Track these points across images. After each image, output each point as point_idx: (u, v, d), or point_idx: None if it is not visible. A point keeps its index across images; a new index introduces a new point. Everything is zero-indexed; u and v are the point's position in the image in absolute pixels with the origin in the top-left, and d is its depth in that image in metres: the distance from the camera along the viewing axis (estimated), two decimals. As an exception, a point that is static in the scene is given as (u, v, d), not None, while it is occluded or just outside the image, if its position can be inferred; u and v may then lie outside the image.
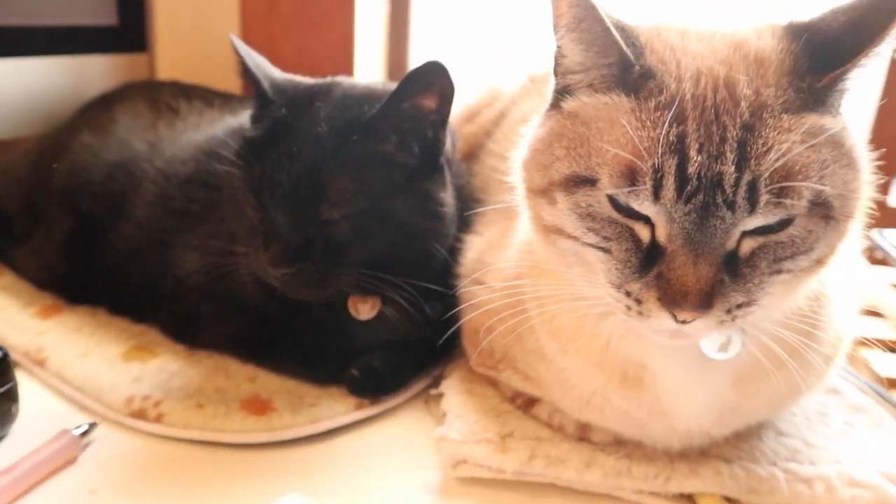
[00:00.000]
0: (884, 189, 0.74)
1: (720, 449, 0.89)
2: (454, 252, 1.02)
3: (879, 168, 0.73)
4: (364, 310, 1.02)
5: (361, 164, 0.92)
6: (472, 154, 1.20)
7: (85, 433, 0.91)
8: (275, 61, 1.06)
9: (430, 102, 0.94)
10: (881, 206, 0.74)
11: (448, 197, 1.01)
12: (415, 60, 1.70)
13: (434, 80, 0.93)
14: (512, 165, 0.76)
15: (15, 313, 1.19)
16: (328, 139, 0.92)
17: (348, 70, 1.60)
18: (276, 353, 1.06)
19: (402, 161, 0.95)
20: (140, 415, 0.96)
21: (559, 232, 0.71)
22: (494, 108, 1.23)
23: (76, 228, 1.23)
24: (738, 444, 0.90)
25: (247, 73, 0.98)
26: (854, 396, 1.03)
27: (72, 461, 0.89)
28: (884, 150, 0.73)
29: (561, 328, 0.81)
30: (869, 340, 1.10)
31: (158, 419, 0.95)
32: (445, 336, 0.90)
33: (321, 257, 0.93)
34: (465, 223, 1.05)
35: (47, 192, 1.27)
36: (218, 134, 1.19)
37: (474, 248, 0.99)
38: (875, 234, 1.36)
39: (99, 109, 1.41)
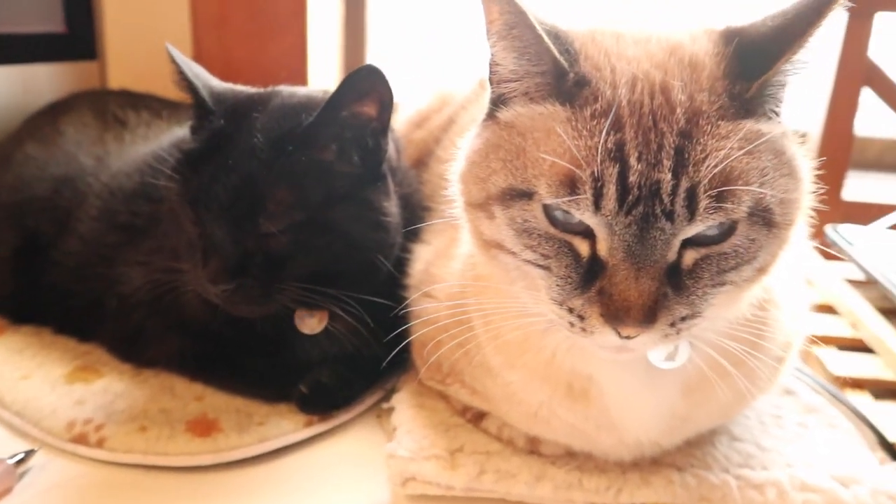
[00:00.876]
0: (836, 183, 0.74)
1: (673, 457, 0.88)
2: (401, 263, 1.00)
3: (826, 166, 0.72)
4: (311, 324, 1.00)
5: (299, 174, 0.90)
6: (422, 161, 1.18)
7: (21, 461, 0.88)
8: (228, 70, 1.04)
9: (369, 109, 0.92)
10: (835, 200, 0.74)
11: (392, 206, 0.98)
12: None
13: (371, 86, 0.91)
14: (450, 178, 0.75)
15: (-46, 336, 1.15)
16: (264, 150, 0.89)
17: (303, 77, 1.57)
18: (224, 370, 1.03)
19: (342, 170, 0.93)
20: (81, 440, 0.93)
21: (499, 247, 0.69)
22: (444, 113, 1.21)
23: (21, 245, 1.19)
24: (691, 451, 0.90)
25: (185, 82, 0.95)
26: (808, 397, 1.03)
27: (6, 491, 0.85)
28: (824, 158, 0.72)
29: (506, 343, 0.79)
30: (822, 339, 1.10)
31: (100, 444, 0.92)
32: (395, 352, 0.88)
33: (261, 272, 0.90)
34: (414, 233, 1.03)
35: (-9, 206, 1.23)
36: (163, 146, 1.16)
37: (422, 258, 0.98)
38: (829, 229, 1.37)
39: (45, 121, 1.37)
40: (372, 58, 1.70)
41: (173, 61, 0.96)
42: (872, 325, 1.16)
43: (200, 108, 0.96)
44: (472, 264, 0.82)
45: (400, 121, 1.28)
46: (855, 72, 1.42)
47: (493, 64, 0.69)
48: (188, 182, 0.92)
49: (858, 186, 1.64)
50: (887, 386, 1.05)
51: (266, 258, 0.90)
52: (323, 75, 1.64)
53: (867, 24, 1.41)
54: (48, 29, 1.60)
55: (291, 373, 1.01)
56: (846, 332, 1.18)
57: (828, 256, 1.38)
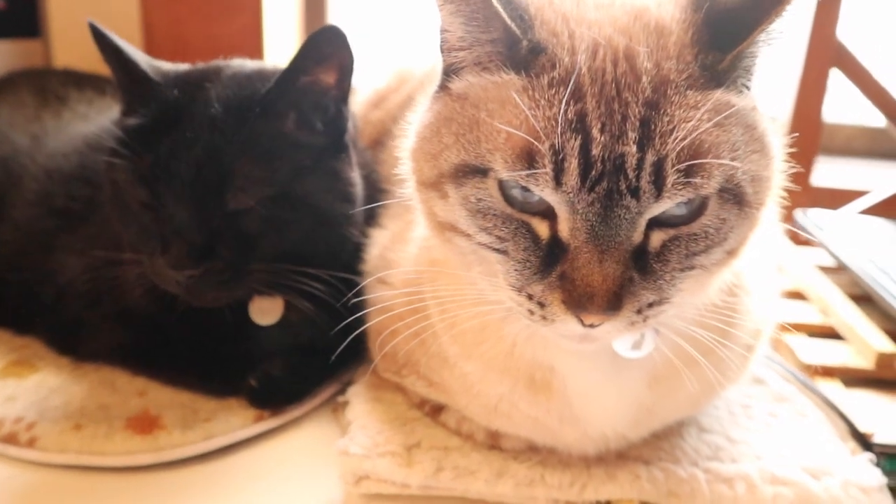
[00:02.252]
0: (806, 169, 0.71)
1: (639, 450, 0.85)
2: (359, 247, 0.95)
3: (797, 148, 0.69)
4: (267, 314, 0.95)
5: (264, 145, 0.84)
6: (379, 142, 1.13)
7: (-58, 464, 0.81)
8: (179, 48, 0.98)
9: (328, 77, 0.87)
10: (804, 185, 0.70)
11: (356, 177, 0.94)
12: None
13: (332, 49, 0.85)
14: (400, 155, 0.70)
15: None
16: (225, 120, 0.84)
17: (258, 55, 1.50)
18: (169, 363, 0.97)
19: (307, 141, 0.88)
20: (10, 439, 0.87)
21: (453, 229, 0.64)
22: (402, 91, 1.16)
23: (-48, 232, 1.12)
24: (659, 443, 0.86)
25: (117, 56, 0.88)
26: (778, 386, 1.01)
27: (-76, 497, 0.79)
28: (796, 134, 0.69)
29: (463, 332, 0.75)
30: (792, 326, 1.08)
31: (31, 444, 0.86)
32: (347, 341, 0.83)
33: (231, 253, 0.84)
34: (371, 216, 0.98)
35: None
36: (105, 124, 1.09)
37: (378, 243, 0.93)
38: (798, 213, 1.34)
39: (-23, 101, 1.29)
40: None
41: (99, 36, 0.89)
42: (843, 311, 1.13)
43: (139, 82, 0.89)
44: (427, 248, 0.78)
45: (357, 102, 1.22)
46: (824, 53, 1.39)
47: (441, 31, 0.64)
48: (139, 159, 0.84)
49: (827, 172, 1.63)
50: (858, 374, 1.03)
51: (235, 238, 0.84)
52: (280, 55, 1.57)
53: (836, 4, 1.38)
54: (-14, 5, 1.51)
55: (241, 365, 0.95)
56: (816, 319, 1.16)
57: (797, 241, 1.35)
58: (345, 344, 0.84)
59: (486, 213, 0.61)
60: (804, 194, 0.69)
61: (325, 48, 0.84)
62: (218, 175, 0.82)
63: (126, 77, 0.89)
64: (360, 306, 0.87)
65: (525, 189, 0.58)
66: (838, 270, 1.28)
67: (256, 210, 0.84)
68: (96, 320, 1.00)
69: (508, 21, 0.59)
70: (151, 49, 1.51)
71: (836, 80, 1.48)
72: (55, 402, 0.93)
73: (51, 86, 1.29)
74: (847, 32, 1.42)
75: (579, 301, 0.58)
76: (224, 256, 0.84)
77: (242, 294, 0.90)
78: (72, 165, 1.08)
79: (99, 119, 1.16)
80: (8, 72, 1.41)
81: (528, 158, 0.57)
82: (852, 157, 1.96)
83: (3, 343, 1.06)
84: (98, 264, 0.95)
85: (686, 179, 0.56)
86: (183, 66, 0.93)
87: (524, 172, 0.57)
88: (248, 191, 0.83)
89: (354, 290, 0.89)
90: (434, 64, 1.12)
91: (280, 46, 1.58)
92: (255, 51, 1.50)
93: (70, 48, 1.56)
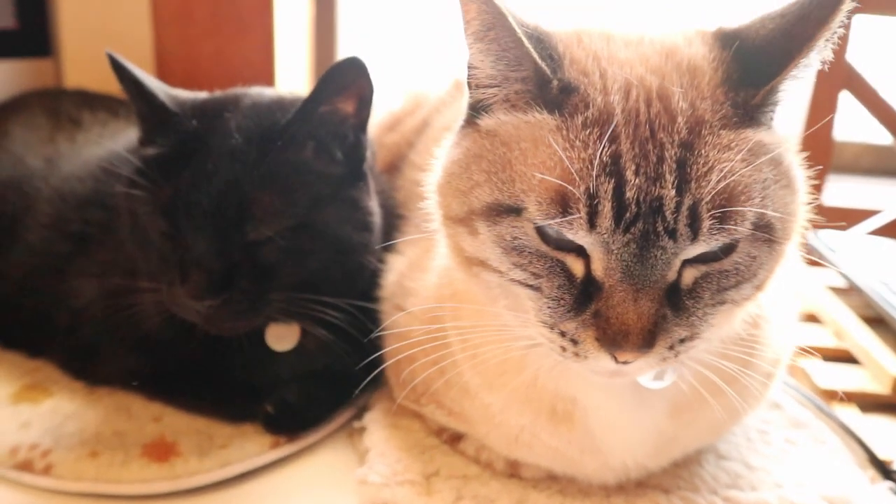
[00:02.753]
0: (817, 188, 0.71)
1: (658, 479, 0.84)
2: (376, 273, 0.95)
3: (808, 169, 0.68)
4: (283, 340, 0.94)
5: (284, 175, 0.84)
6: (395, 166, 1.13)
7: (-42, 493, 0.81)
8: (191, 68, 0.98)
9: (347, 106, 0.87)
10: (816, 205, 0.71)
11: (375, 205, 0.94)
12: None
13: (353, 79, 0.85)
14: (426, 189, 0.69)
15: None
16: (245, 151, 0.83)
17: (270, 77, 1.51)
18: (185, 388, 0.97)
19: (326, 170, 0.88)
20: (26, 466, 0.86)
21: (482, 265, 0.64)
22: (418, 115, 1.16)
23: (-34, 255, 1.11)
24: (678, 472, 0.86)
25: (135, 86, 0.88)
26: (794, 411, 1.00)
27: (-59, 527, 0.79)
28: (819, 167, 0.69)
29: (485, 363, 0.74)
30: (808, 350, 1.07)
31: (46, 471, 0.85)
32: (361, 364, 0.83)
33: (250, 283, 0.84)
34: (387, 242, 0.98)
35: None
36: (118, 149, 1.09)
37: (395, 269, 0.92)
38: (810, 234, 1.34)
39: (-9, 121, 1.29)
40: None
41: (118, 66, 0.89)
42: (857, 335, 1.13)
43: (157, 112, 0.89)
44: (449, 280, 0.77)
45: (372, 125, 1.22)
46: (834, 75, 1.39)
47: (470, 67, 0.64)
48: (159, 189, 0.84)
49: (835, 190, 1.63)
50: (874, 399, 1.03)
51: (254, 268, 0.84)
52: (291, 74, 1.58)
53: (846, 26, 1.39)
54: (-2, 24, 1.51)
55: (257, 391, 0.95)
56: (830, 342, 1.16)
57: (808, 262, 1.35)
58: (363, 369, 0.84)
59: (521, 250, 0.60)
60: (816, 214, 0.69)
61: (346, 78, 0.85)
62: (238, 206, 0.82)
63: (144, 107, 0.89)
64: (378, 332, 0.87)
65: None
66: (850, 292, 1.28)
67: (276, 241, 0.84)
68: (112, 346, 0.99)
69: (539, 60, 0.59)
70: (163, 69, 1.51)
71: (844, 99, 1.49)
72: (70, 429, 0.92)
73: (64, 107, 1.28)
74: (856, 55, 1.43)
75: (614, 339, 0.58)
76: (243, 287, 0.84)
77: (261, 323, 0.90)
78: (86, 189, 1.07)
79: (113, 142, 1.16)
80: (21, 92, 1.40)
81: (563, 203, 0.57)
82: (859, 174, 1.97)
83: (16, 366, 1.05)
84: (114, 291, 0.94)
85: (720, 226, 0.56)
86: (201, 95, 0.93)
87: (558, 220, 0.57)
88: (267, 222, 0.83)
89: (371, 317, 0.89)
90: (448, 90, 1.13)
91: (292, 66, 1.58)
92: (267, 70, 1.51)
93: (82, 68, 1.56)
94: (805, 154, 0.68)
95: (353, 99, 0.86)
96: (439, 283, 0.80)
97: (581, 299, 0.59)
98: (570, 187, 0.56)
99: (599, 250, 0.58)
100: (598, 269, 0.59)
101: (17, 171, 1.14)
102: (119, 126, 1.24)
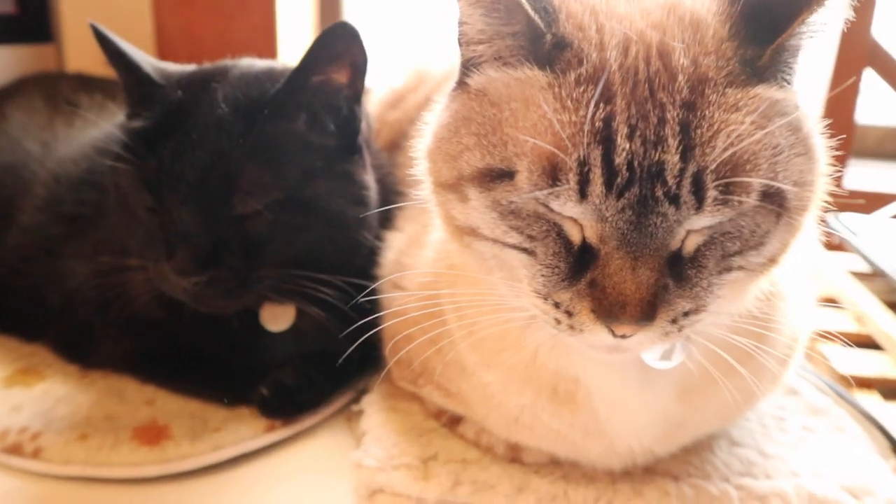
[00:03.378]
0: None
1: (668, 465, 0.80)
2: (374, 251, 0.91)
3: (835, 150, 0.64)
4: (278, 320, 0.91)
5: (273, 147, 0.81)
6: (396, 144, 1.09)
7: (-55, 475, 0.79)
8: (192, 48, 0.96)
9: (340, 76, 0.84)
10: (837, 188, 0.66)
11: (370, 179, 0.91)
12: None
13: (345, 46, 0.82)
14: (415, 155, 0.66)
15: None
16: (232, 122, 0.81)
17: (272, 56, 1.48)
18: (179, 371, 0.95)
19: (318, 142, 0.85)
20: (15, 450, 0.84)
21: (474, 234, 0.61)
22: (421, 91, 1.12)
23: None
24: (688, 458, 0.82)
25: (120, 59, 0.86)
26: (812, 397, 0.96)
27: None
28: (843, 137, 0.64)
29: (482, 339, 0.71)
30: (828, 334, 1.02)
31: (35, 454, 0.83)
32: (354, 346, 0.79)
33: (238, 259, 0.82)
34: (386, 219, 0.94)
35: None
36: (111, 128, 1.07)
37: (394, 246, 0.89)
38: (831, 218, 1.29)
39: (-10, 106, 1.28)
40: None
41: (102, 38, 0.86)
42: (880, 319, 1.08)
43: (142, 84, 0.86)
44: (445, 252, 0.74)
45: (374, 101, 1.19)
46: (857, 51, 1.34)
47: (459, 23, 0.60)
48: (143, 163, 0.82)
49: (858, 175, 1.58)
50: (897, 385, 0.98)
51: (242, 243, 0.82)
52: (294, 54, 1.55)
53: (870, 0, 1.33)
54: (-2, 10, 1.50)
55: (253, 373, 0.92)
56: (851, 327, 1.11)
57: (829, 246, 1.30)
58: (352, 350, 0.80)
59: (518, 213, 0.57)
60: (836, 198, 0.65)
61: (337, 46, 0.81)
62: (224, 179, 0.79)
63: (129, 79, 0.87)
64: (375, 312, 0.84)
65: None
66: (873, 276, 1.23)
67: (264, 215, 0.81)
68: (104, 327, 0.97)
69: (531, 12, 0.55)
70: (164, 50, 1.49)
71: (868, 79, 1.43)
72: (61, 412, 0.90)
73: (62, 91, 1.27)
74: (882, 31, 1.37)
75: (610, 310, 0.54)
76: (231, 263, 0.81)
77: (251, 301, 0.87)
78: (80, 170, 1.06)
79: (107, 124, 1.13)
80: (20, 76, 1.39)
81: (552, 172, 0.53)
82: (884, 159, 1.90)
83: (12, 350, 1.03)
84: (105, 270, 0.92)
85: (725, 197, 0.52)
86: (189, 68, 0.91)
87: (546, 191, 0.53)
88: (255, 195, 0.80)
89: (366, 294, 0.86)
90: (453, 63, 1.09)
91: (294, 45, 1.56)
92: (269, 50, 1.49)
93: (83, 52, 1.55)
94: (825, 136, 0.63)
95: (346, 68, 0.83)
96: (436, 257, 0.76)
97: (577, 268, 0.56)
98: (561, 154, 0.52)
99: (592, 218, 0.54)
100: (591, 236, 0.55)
101: (14, 156, 1.12)
102: (117, 108, 1.22)
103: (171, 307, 0.89)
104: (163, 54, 1.48)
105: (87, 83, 1.31)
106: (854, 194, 1.43)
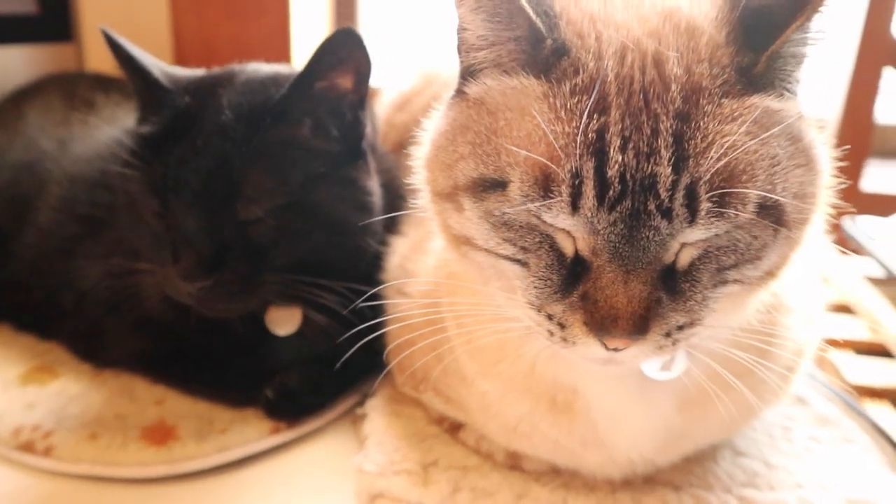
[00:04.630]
0: (854, 174, 0.66)
1: (669, 475, 0.80)
2: (378, 256, 0.92)
3: (845, 151, 0.62)
4: (284, 324, 0.92)
5: (276, 153, 0.82)
6: (404, 146, 1.09)
7: (-41, 472, 0.81)
8: (208, 50, 0.96)
9: (344, 81, 0.85)
10: (853, 191, 0.65)
11: (374, 185, 0.91)
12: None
13: (348, 53, 0.83)
14: (413, 164, 0.66)
15: None
16: (236, 128, 0.82)
17: (286, 59, 1.49)
18: (187, 372, 0.96)
19: (321, 147, 0.85)
20: (28, 448, 0.86)
21: (469, 243, 0.61)
22: (427, 94, 1.12)
23: (-20, 237, 1.12)
24: (690, 468, 0.81)
25: (130, 63, 0.87)
26: (821, 407, 0.94)
27: (-60, 505, 0.79)
28: (848, 147, 0.63)
29: (481, 348, 0.71)
30: (838, 342, 1.01)
31: (47, 452, 0.85)
32: (353, 350, 0.80)
33: (242, 264, 0.82)
34: (392, 223, 0.95)
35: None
36: (125, 129, 1.08)
37: (398, 251, 0.90)
38: (846, 221, 1.27)
39: (9, 105, 1.30)
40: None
41: (112, 43, 0.87)
42: (894, 327, 1.06)
43: (151, 89, 0.87)
44: (445, 260, 0.74)
45: (382, 104, 1.19)
46: (877, 50, 1.31)
47: (459, 30, 0.60)
48: (151, 169, 0.83)
49: (877, 177, 1.54)
50: (910, 395, 0.96)
51: (246, 248, 0.82)
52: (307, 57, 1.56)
53: (890, -2, 1.31)
54: (19, 10, 1.52)
55: (258, 376, 0.93)
56: (864, 335, 1.09)
57: (845, 251, 1.28)
58: (356, 353, 0.81)
59: (510, 224, 0.57)
60: (852, 200, 0.63)
61: (341, 52, 0.82)
62: (227, 185, 0.80)
63: (139, 84, 0.88)
64: (380, 317, 0.84)
65: None
66: (889, 282, 1.21)
67: (267, 220, 0.82)
68: (115, 327, 0.99)
69: (534, 17, 0.55)
70: (180, 52, 1.51)
71: (889, 78, 1.40)
72: (73, 411, 0.92)
73: (80, 91, 1.29)
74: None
75: (602, 323, 0.54)
76: (235, 267, 0.82)
77: (255, 306, 0.88)
78: (94, 171, 1.07)
79: (122, 124, 1.15)
80: (41, 76, 1.41)
81: (544, 184, 0.53)
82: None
83: (28, 348, 1.06)
84: (117, 272, 0.94)
85: (719, 210, 0.51)
86: (198, 72, 0.92)
87: (537, 203, 0.53)
88: (258, 200, 0.81)
89: (368, 299, 0.86)
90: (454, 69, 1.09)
91: (309, 49, 1.56)
92: (284, 54, 1.49)
93: (102, 52, 1.54)
94: (843, 136, 0.62)
95: (350, 74, 0.84)
96: (437, 265, 0.77)
97: (569, 280, 0.56)
98: (553, 166, 0.52)
99: (584, 231, 0.54)
100: (584, 248, 0.55)
101: (30, 154, 1.14)
102: (132, 108, 1.23)
103: (180, 310, 0.90)
104: (179, 56, 1.50)
105: (103, 82, 1.33)
106: (873, 196, 1.41)
